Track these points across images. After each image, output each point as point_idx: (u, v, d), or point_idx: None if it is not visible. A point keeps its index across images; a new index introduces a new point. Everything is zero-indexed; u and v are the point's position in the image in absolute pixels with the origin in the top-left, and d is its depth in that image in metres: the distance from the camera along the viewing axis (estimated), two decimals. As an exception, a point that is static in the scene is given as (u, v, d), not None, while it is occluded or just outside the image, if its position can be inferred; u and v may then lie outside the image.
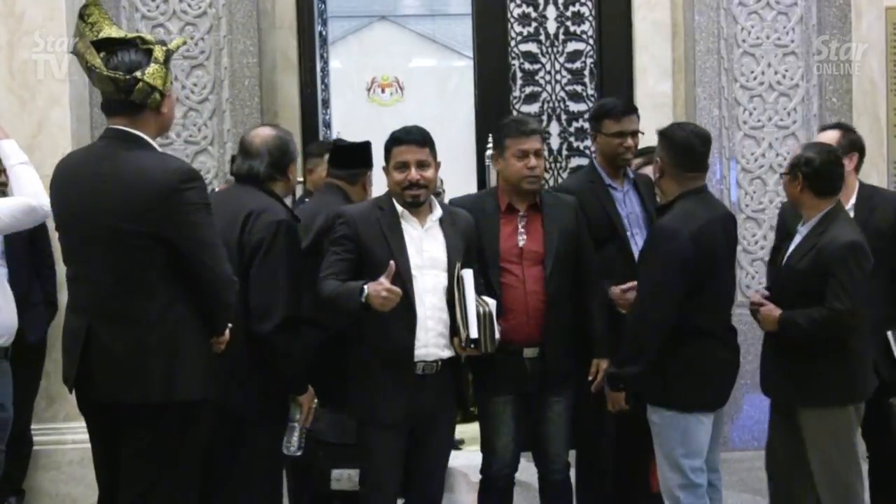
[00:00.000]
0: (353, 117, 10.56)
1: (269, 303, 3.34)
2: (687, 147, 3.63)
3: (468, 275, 3.47)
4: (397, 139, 3.56)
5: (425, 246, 3.55)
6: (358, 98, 12.69)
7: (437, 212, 3.61)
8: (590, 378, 3.84)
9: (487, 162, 5.62)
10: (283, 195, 3.61)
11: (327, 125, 6.40)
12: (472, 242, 3.68)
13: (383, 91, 13.04)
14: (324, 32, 6.39)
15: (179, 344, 2.91)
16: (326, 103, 6.40)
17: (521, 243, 3.76)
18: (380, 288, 3.28)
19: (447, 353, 3.55)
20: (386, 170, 3.60)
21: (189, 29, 5.30)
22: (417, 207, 3.55)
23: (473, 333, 3.41)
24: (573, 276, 3.81)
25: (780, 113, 5.51)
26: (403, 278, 3.42)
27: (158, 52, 2.94)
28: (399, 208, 3.55)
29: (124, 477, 2.97)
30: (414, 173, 3.51)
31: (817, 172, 3.58)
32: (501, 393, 3.78)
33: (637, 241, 4.07)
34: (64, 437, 4.81)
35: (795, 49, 5.49)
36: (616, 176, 4.16)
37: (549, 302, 3.72)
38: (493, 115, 5.85)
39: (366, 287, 3.31)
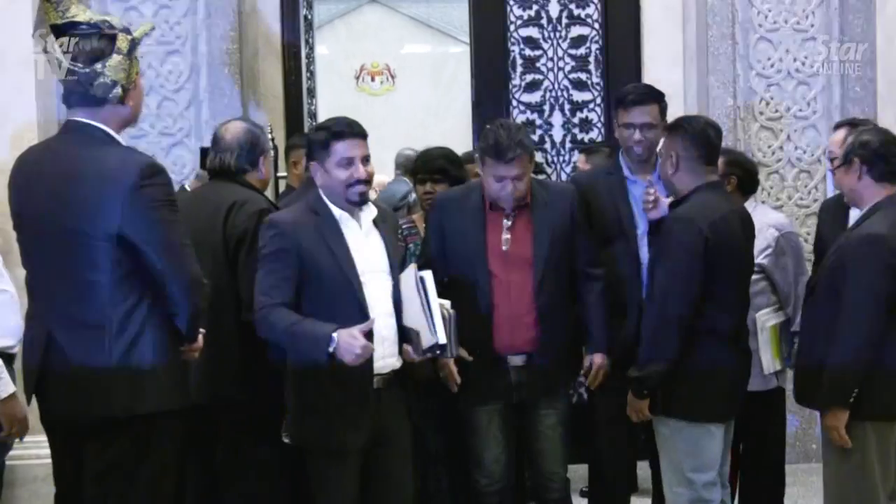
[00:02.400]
0: (341, 107, 10.47)
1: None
2: (704, 139, 3.61)
3: (429, 276, 3.40)
4: (339, 133, 3.41)
5: (368, 249, 3.47)
6: (346, 87, 12.61)
7: (372, 211, 3.52)
8: (582, 372, 3.78)
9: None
10: (259, 186, 3.79)
11: (313, 116, 6.37)
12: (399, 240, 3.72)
13: (373, 79, 12.97)
14: (309, 16, 6.35)
15: (144, 352, 2.87)
16: (312, 92, 6.37)
17: (505, 246, 3.70)
18: (355, 343, 3.13)
19: (398, 363, 3.48)
20: (317, 167, 3.44)
21: (164, 12, 5.28)
22: (361, 206, 3.46)
23: (442, 339, 3.34)
24: (568, 275, 3.77)
25: (799, 103, 5.50)
26: (354, 287, 3.35)
27: (122, 42, 2.89)
28: (336, 211, 3.42)
29: (88, 496, 2.95)
30: (362, 170, 3.41)
31: (876, 153, 3.48)
32: (485, 403, 3.75)
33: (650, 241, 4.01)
34: (28, 451, 4.74)
35: (816, 34, 5.48)
36: (641, 169, 4.09)
37: (539, 312, 3.67)
38: (492, 105, 5.86)
39: (335, 336, 3.16)
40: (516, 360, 3.71)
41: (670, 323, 3.48)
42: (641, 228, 4.03)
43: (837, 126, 4.28)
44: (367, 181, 3.45)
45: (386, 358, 3.42)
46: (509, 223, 3.72)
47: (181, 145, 5.30)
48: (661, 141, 3.75)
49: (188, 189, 4.76)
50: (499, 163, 3.64)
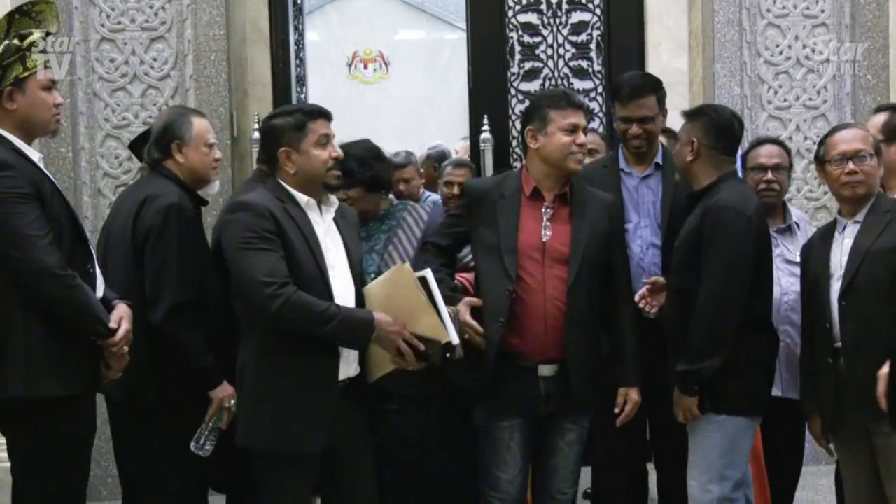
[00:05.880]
0: (332, 96, 10.49)
1: (158, 290, 3.51)
2: (728, 128, 3.67)
3: (430, 275, 3.34)
4: (318, 112, 3.39)
5: (330, 243, 3.38)
6: (337, 74, 12.60)
7: (335, 202, 3.46)
8: (616, 410, 3.64)
9: (482, 146, 5.58)
10: (185, 177, 3.72)
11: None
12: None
13: (366, 67, 12.96)
14: (299, 1, 6.34)
15: (9, 339, 3.12)
16: (302, 80, 6.36)
17: (544, 238, 3.58)
18: (395, 325, 3.23)
19: (356, 373, 3.37)
20: (290, 150, 3.35)
21: (148, -3, 5.28)
22: (334, 191, 3.45)
23: (455, 339, 3.29)
24: (601, 286, 3.63)
25: (808, 91, 5.50)
26: (326, 277, 3.28)
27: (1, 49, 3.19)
28: (303, 198, 3.35)
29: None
30: (337, 149, 3.40)
31: None
32: (508, 417, 3.60)
33: (643, 236, 4.03)
34: None
35: (826, 20, 5.48)
36: (638, 161, 4.10)
37: (570, 312, 3.53)
38: (489, 94, 5.84)
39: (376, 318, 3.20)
40: (546, 370, 3.55)
41: (729, 315, 3.49)
42: (633, 222, 4.04)
43: (878, 110, 4.21)
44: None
45: (350, 360, 3.34)
46: (549, 214, 3.62)
47: (166, 136, 5.29)
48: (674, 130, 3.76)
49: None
50: (569, 109, 3.60)
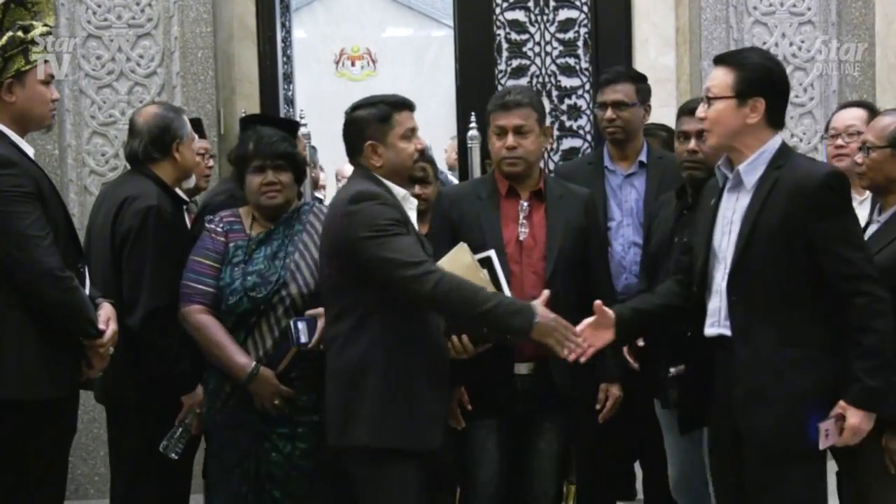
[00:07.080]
0: (319, 93, 10.49)
1: (135, 295, 3.51)
2: None
3: (495, 255, 3.32)
4: (402, 104, 3.33)
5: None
6: (325, 72, 12.62)
7: (414, 200, 3.43)
8: (598, 406, 3.65)
9: (469, 143, 5.59)
10: (172, 178, 3.73)
11: (290, 102, 6.35)
12: None
13: (353, 64, 12.98)
14: (286, -2, 6.34)
15: (4, 339, 3.09)
16: (289, 77, 6.36)
17: (521, 236, 3.57)
18: (554, 319, 3.11)
19: None
20: (376, 144, 3.27)
21: (135, -7, 5.27)
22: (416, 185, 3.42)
23: None
24: (579, 281, 3.61)
25: (795, 89, 5.47)
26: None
27: (2, 41, 3.15)
28: (400, 192, 3.30)
29: None
30: (422, 140, 3.37)
31: None
32: (485, 416, 3.56)
33: (625, 234, 4.05)
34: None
35: (812, 17, 5.50)
36: (623, 157, 4.10)
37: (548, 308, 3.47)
38: (476, 91, 5.83)
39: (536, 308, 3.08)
40: (522, 368, 3.53)
41: None
42: (616, 220, 4.05)
43: (847, 105, 4.16)
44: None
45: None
46: (525, 212, 3.61)
47: (152, 133, 5.27)
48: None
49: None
50: (498, 112, 3.56)
